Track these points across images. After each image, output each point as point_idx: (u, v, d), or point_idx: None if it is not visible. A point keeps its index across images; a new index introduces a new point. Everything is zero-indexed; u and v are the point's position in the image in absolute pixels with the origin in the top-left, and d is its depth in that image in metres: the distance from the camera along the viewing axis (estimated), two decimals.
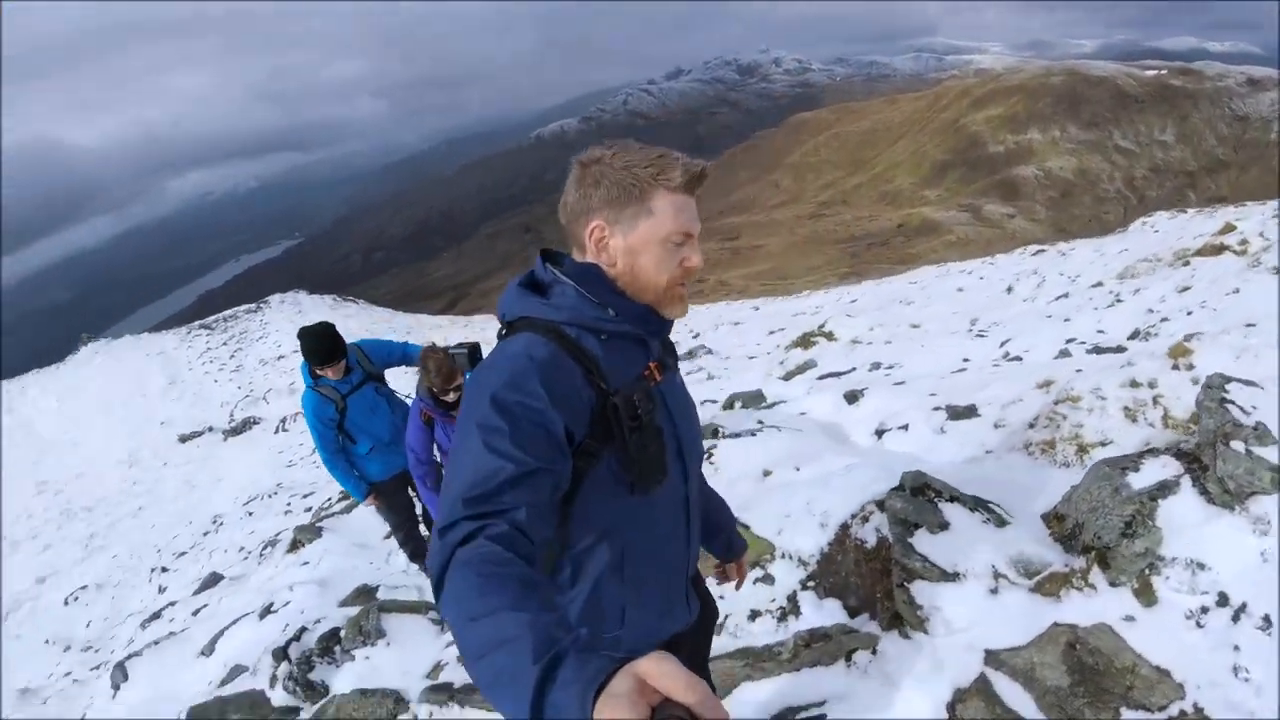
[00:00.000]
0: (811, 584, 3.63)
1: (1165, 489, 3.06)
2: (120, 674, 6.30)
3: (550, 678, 1.08)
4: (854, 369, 7.86)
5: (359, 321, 40.97)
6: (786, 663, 3.33)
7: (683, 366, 11.22)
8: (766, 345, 10.93)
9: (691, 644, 2.28)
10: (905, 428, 5.20)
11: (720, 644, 3.64)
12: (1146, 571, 2.93)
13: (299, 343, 5.44)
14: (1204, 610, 2.78)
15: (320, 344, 5.36)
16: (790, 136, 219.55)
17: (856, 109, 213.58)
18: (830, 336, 9.43)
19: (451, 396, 4.92)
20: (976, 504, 3.47)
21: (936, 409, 5.18)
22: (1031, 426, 4.36)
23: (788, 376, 8.28)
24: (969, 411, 4.98)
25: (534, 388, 1.63)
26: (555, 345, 1.73)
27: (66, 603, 12.31)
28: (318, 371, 5.48)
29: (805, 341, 9.58)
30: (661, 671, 0.98)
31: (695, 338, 14.94)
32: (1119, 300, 8.87)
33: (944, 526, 3.35)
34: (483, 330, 33.41)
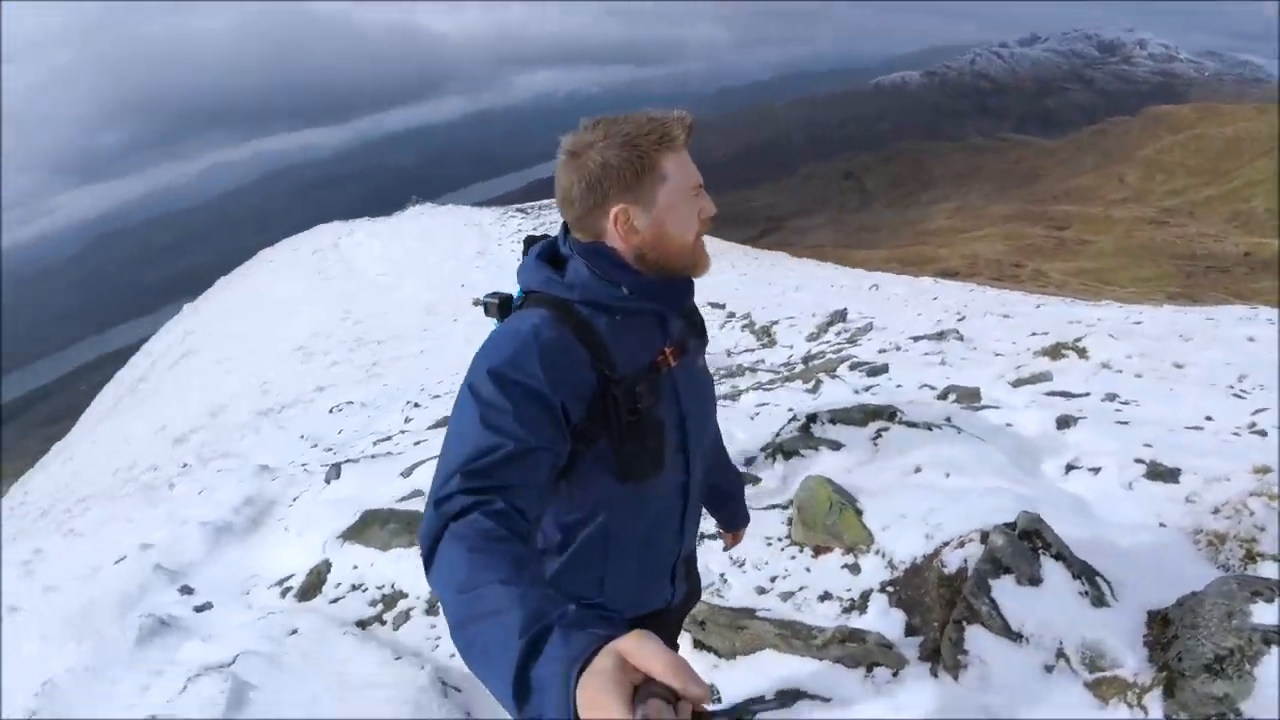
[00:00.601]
0: (890, 589, 3.49)
1: None
2: (334, 473, 7.23)
3: (535, 651, 1.10)
4: (1088, 394, 7.23)
5: None
6: (816, 648, 3.25)
7: (922, 346, 10.96)
8: (1021, 345, 10.21)
9: (675, 620, 2.30)
10: (1096, 470, 4.79)
11: (779, 607, 3.62)
12: None
13: None
14: None
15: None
16: (1145, 129, 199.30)
17: (1223, 111, 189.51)
18: (1082, 353, 8.68)
19: None
20: (1083, 571, 3.15)
21: (1139, 462, 4.74)
22: (1215, 512, 3.91)
23: (1017, 383, 7.78)
24: (1170, 475, 4.50)
25: (535, 368, 1.61)
26: (563, 326, 1.71)
27: (331, 411, 14.07)
28: None
29: (1055, 352, 8.87)
30: (644, 650, 0.99)
31: (960, 320, 14.23)
32: None
33: (1035, 581, 3.09)
34: (772, 267, 33.43)
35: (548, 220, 42.08)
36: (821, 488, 4.20)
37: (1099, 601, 3.05)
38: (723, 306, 20.27)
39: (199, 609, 4.87)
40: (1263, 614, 2.59)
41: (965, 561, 3.27)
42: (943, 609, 3.20)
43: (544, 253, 1.87)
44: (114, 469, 17.72)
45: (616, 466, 1.77)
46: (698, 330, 2.05)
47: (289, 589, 5.11)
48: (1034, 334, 11.21)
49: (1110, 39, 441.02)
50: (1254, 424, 6.20)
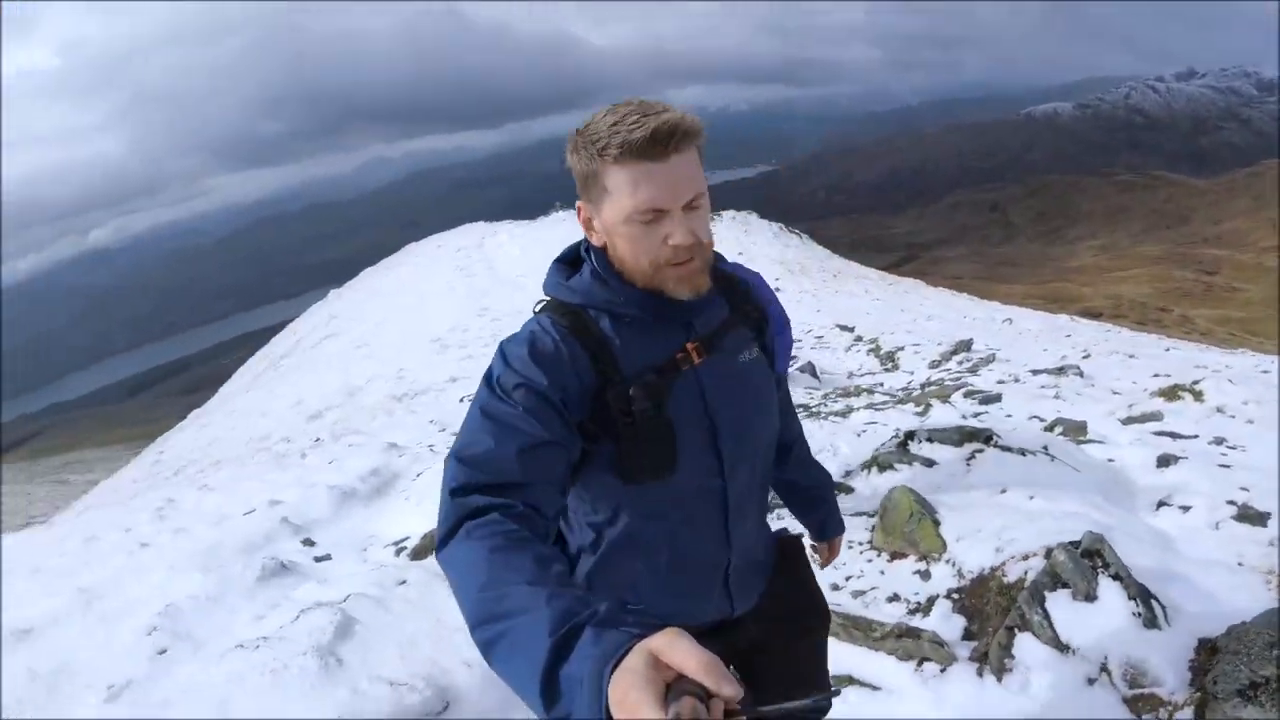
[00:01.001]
0: (955, 596, 3.63)
1: None
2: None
3: (565, 651, 1.09)
4: (1196, 436, 7.10)
5: (796, 253, 42.29)
6: (874, 640, 3.41)
7: (1040, 380, 10.84)
8: (1140, 386, 10.01)
9: (756, 635, 2.13)
10: (1186, 509, 4.77)
11: (848, 603, 3.79)
12: None
13: None
14: None
15: None
16: None
17: None
18: (1198, 396, 8.45)
19: None
20: (1140, 594, 3.22)
21: (1231, 503, 4.71)
22: None
23: (1127, 421, 7.68)
24: (1259, 519, 4.47)
25: (534, 369, 1.60)
26: (564, 328, 1.69)
27: (461, 400, 14.61)
28: None
29: (1171, 393, 8.66)
30: (676, 648, 0.98)
31: (1085, 357, 13.95)
32: None
33: (1090, 598, 3.19)
34: (905, 294, 33.13)
35: None
36: (904, 497, 4.38)
37: (1151, 623, 3.10)
38: (851, 330, 20.23)
39: (318, 559, 5.31)
40: None
41: (1026, 573, 3.39)
42: (999, 616, 3.33)
43: (566, 255, 1.86)
44: (248, 438, 18.80)
45: (618, 468, 1.72)
46: (751, 322, 1.92)
47: (403, 549, 5.47)
48: (1155, 375, 10.97)
49: (1269, 78, 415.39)
50: None
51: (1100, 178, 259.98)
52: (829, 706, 2.39)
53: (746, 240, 42.51)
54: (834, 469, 5.75)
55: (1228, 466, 5.88)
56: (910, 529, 4.21)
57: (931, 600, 3.68)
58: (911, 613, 3.67)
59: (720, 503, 1.86)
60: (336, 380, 21.62)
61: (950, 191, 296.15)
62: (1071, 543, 3.45)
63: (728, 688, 0.95)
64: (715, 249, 1.78)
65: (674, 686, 0.96)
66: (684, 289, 1.66)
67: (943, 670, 3.22)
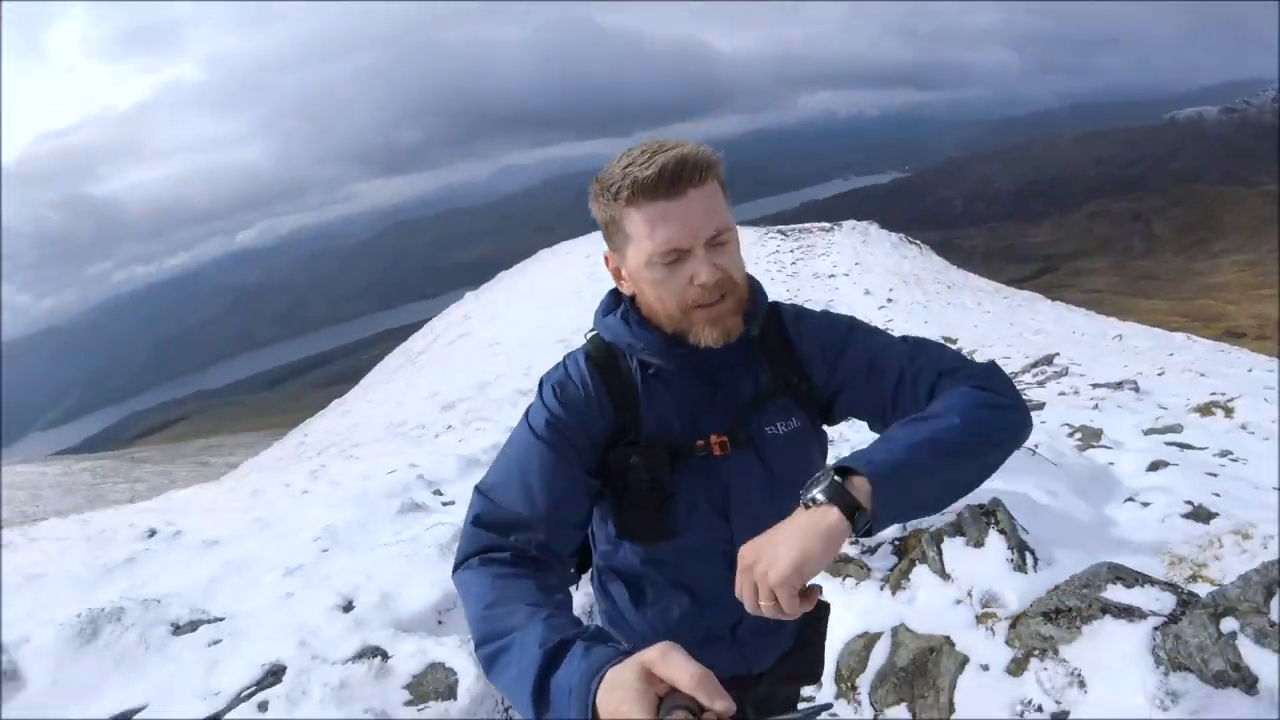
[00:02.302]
0: (895, 542, 4.66)
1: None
2: None
3: (555, 661, 1.13)
4: (1206, 448, 7.94)
5: (912, 264, 42.53)
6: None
7: (1098, 393, 11.61)
8: (1187, 401, 10.76)
9: (783, 695, 2.13)
10: (1146, 504, 5.54)
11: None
12: None
13: None
14: None
15: None
16: None
17: None
18: (1229, 412, 9.09)
19: None
20: (1018, 545, 4.16)
21: (1189, 503, 5.41)
22: (1202, 548, 4.88)
23: (1149, 432, 8.35)
24: (1206, 517, 5.18)
25: (562, 411, 1.61)
26: (596, 370, 1.67)
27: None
28: None
29: (1206, 409, 9.32)
30: (669, 662, 0.99)
31: (1159, 375, 14.55)
32: None
33: (979, 545, 4.28)
34: (1018, 308, 33.35)
35: (805, 243, 43.36)
36: None
37: (1019, 568, 4.05)
38: (954, 341, 20.69)
39: (445, 504, 6.81)
40: (1117, 593, 3.43)
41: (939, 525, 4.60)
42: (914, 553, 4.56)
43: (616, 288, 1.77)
44: (387, 424, 20.66)
45: (614, 522, 1.73)
46: (795, 390, 1.75)
47: None
48: (1212, 394, 11.61)
49: None
50: None
51: (1246, 187, 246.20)
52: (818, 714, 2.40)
53: (864, 250, 42.81)
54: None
55: (1214, 475, 6.67)
56: None
57: (879, 545, 4.88)
58: (863, 553, 4.87)
59: (727, 566, 1.61)
60: (468, 375, 23.50)
61: (1090, 200, 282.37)
62: (979, 505, 4.62)
63: (720, 702, 0.96)
64: (750, 280, 1.67)
65: (666, 700, 0.97)
66: (714, 333, 1.56)
67: (857, 584, 4.41)
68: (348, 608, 4.12)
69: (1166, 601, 3.18)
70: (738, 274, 1.57)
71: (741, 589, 1.40)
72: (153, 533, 6.74)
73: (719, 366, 1.66)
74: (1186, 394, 11.72)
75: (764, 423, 1.71)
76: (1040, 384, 13.49)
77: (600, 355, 1.69)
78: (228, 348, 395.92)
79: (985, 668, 3.44)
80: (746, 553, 1.41)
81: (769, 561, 1.35)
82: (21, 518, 20.03)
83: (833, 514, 1.35)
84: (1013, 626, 3.56)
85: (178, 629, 4.05)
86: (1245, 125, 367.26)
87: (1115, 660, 2.98)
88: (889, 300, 30.14)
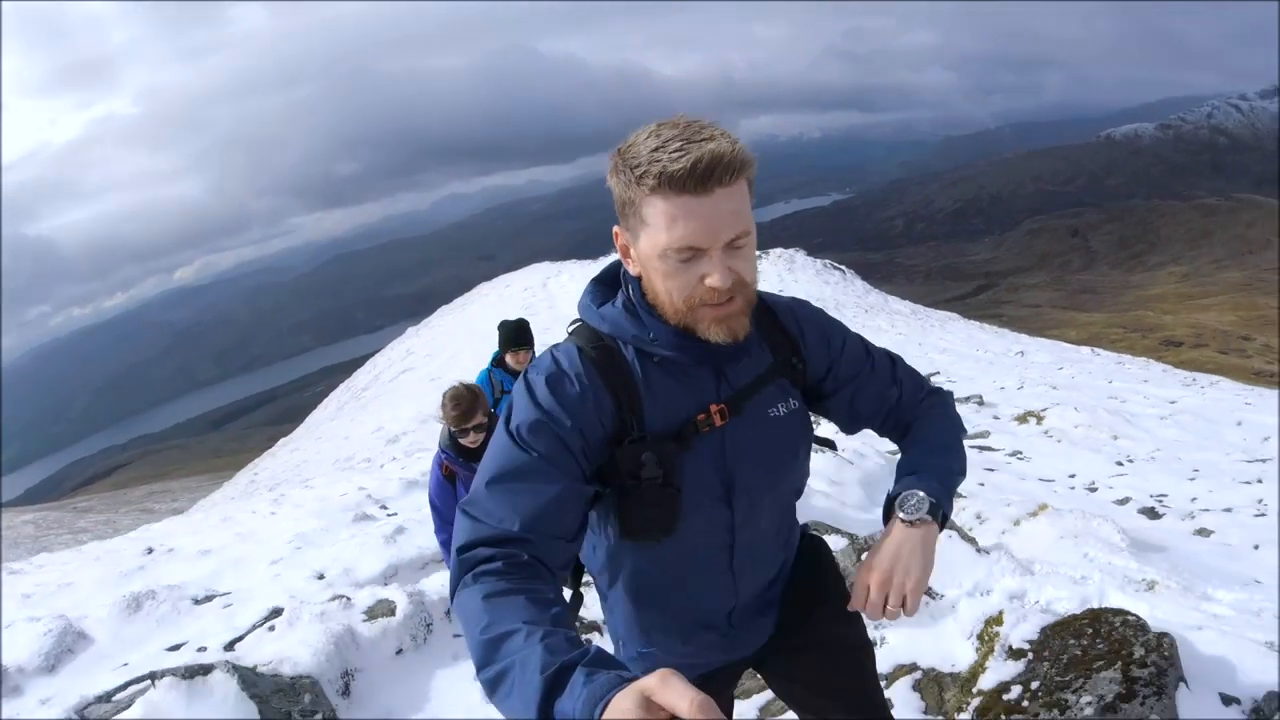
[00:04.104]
0: None
1: None
2: None
3: (557, 687, 1.11)
4: (1000, 449, 9.67)
5: (834, 290, 44.82)
6: None
7: None
8: (1016, 410, 12.60)
9: (786, 671, 2.13)
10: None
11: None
12: None
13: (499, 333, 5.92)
14: None
15: (513, 332, 5.84)
16: None
17: None
18: (1040, 420, 10.77)
19: (471, 439, 4.36)
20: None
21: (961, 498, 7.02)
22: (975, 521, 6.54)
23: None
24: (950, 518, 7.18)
25: (556, 408, 1.55)
26: (588, 363, 1.61)
27: None
28: (505, 358, 5.84)
29: (1024, 418, 11.00)
30: (668, 689, 0.99)
31: (1001, 389, 15.96)
32: None
33: None
34: (932, 328, 35.40)
35: None
36: None
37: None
38: None
39: (390, 515, 8.40)
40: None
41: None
42: None
43: (604, 276, 1.76)
44: (335, 459, 21.95)
45: (619, 524, 1.67)
46: (794, 372, 1.80)
47: None
48: (1045, 406, 13.50)
49: None
50: (1092, 485, 8.69)
51: (1182, 201, 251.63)
52: None
53: (789, 277, 45.38)
54: None
55: (992, 470, 8.52)
56: None
57: None
58: None
59: (727, 553, 1.80)
60: (411, 409, 24.63)
61: (1029, 217, 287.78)
62: None
63: None
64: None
65: None
66: (720, 332, 1.55)
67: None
68: (321, 577, 5.83)
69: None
70: (750, 277, 1.55)
71: (875, 598, 1.60)
72: (150, 550, 8.22)
73: (724, 354, 1.63)
74: (1025, 405, 13.59)
75: (766, 404, 1.73)
76: None
77: (595, 347, 1.64)
78: (169, 389, 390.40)
79: None
80: (881, 564, 1.61)
81: (905, 572, 1.59)
82: None
83: (935, 529, 1.64)
84: None
85: (197, 601, 5.67)
86: (1181, 141, 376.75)
87: None
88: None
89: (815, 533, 2.15)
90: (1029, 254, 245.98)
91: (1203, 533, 6.71)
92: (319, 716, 3.78)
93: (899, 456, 1.88)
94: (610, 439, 1.60)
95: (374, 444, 21.29)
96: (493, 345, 5.94)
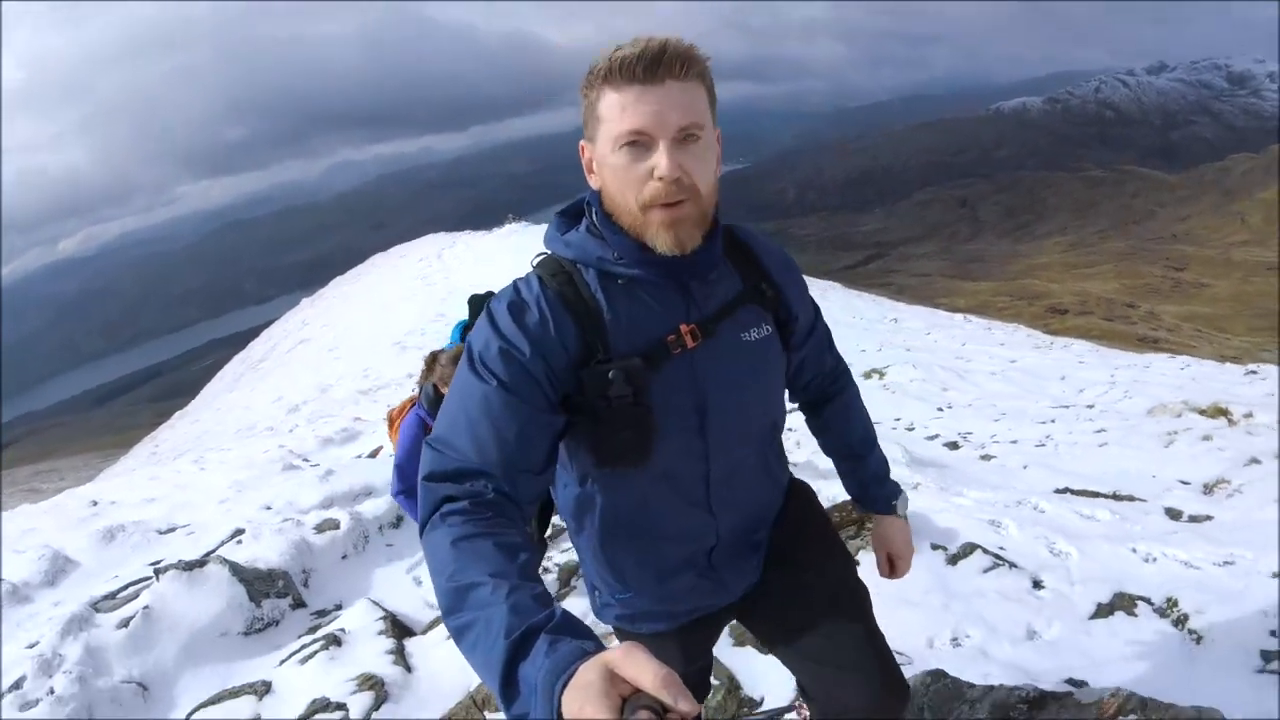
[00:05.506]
0: None
1: None
2: None
3: (521, 653, 1.11)
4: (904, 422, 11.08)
5: None
6: None
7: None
8: (866, 367, 14.06)
9: (760, 616, 2.09)
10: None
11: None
12: None
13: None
14: None
15: (482, 305, 6.70)
16: (1270, 168, 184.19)
17: None
18: (882, 375, 12.21)
19: None
20: None
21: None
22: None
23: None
24: None
25: (519, 336, 1.55)
26: (553, 292, 1.61)
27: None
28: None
29: (869, 375, 12.67)
30: (632, 662, 0.98)
31: (863, 352, 17.42)
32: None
33: None
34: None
35: None
36: None
37: None
38: None
39: (313, 466, 9.40)
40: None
41: None
42: None
43: (569, 209, 1.77)
44: (236, 429, 22.35)
45: (592, 451, 1.68)
46: (763, 297, 1.79)
47: (361, 456, 9.60)
48: (890, 365, 14.98)
49: (1240, 70, 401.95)
50: (911, 425, 10.21)
51: (1069, 173, 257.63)
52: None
53: None
54: None
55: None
56: None
57: None
58: None
59: (703, 485, 1.80)
60: (310, 379, 25.23)
61: (920, 188, 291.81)
62: None
63: (684, 703, 0.95)
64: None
65: (630, 701, 0.97)
66: (666, 237, 1.54)
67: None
68: (269, 508, 6.96)
69: None
70: (702, 181, 1.53)
71: (898, 574, 2.17)
72: (95, 503, 8.97)
73: (691, 275, 1.64)
74: (874, 364, 15.11)
75: (738, 329, 1.73)
76: None
77: (555, 275, 1.63)
78: (53, 365, 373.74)
79: None
80: (906, 551, 2.15)
81: (909, 553, 2.16)
82: None
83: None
84: None
85: (162, 532, 6.75)
86: (1068, 114, 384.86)
87: None
88: None
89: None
90: (919, 224, 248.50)
91: (986, 458, 8.04)
92: (289, 598, 5.03)
93: (850, 436, 2.15)
94: (575, 363, 1.59)
95: (275, 413, 21.69)
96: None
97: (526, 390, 1.53)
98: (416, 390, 4.30)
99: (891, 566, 2.18)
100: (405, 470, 4.17)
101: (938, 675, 2.98)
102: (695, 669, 2.22)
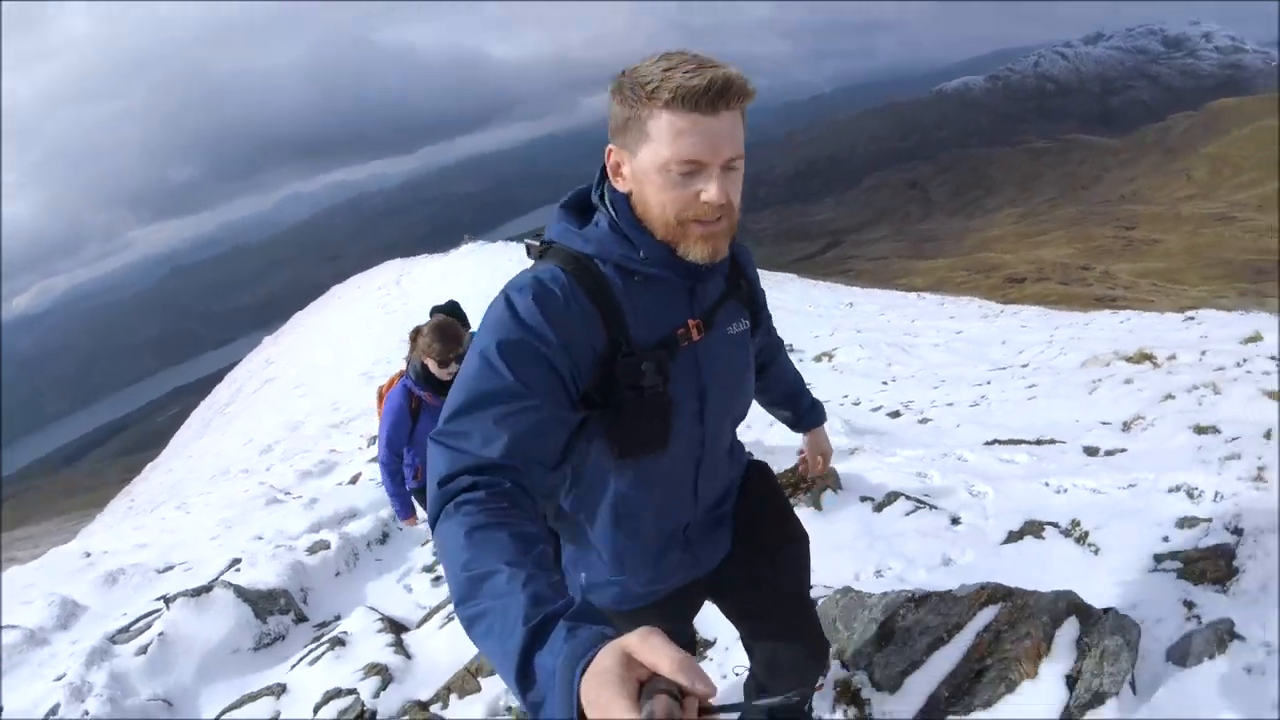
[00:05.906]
0: None
1: None
2: None
3: (538, 641, 1.11)
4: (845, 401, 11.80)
5: None
6: None
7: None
8: (817, 351, 14.67)
9: (725, 591, 2.27)
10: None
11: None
12: None
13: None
14: None
15: (450, 314, 5.25)
16: (1210, 124, 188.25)
17: None
18: (830, 357, 13.00)
19: (451, 370, 4.35)
20: None
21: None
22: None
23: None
24: None
25: (543, 324, 1.57)
26: (573, 282, 1.65)
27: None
28: None
29: (820, 357, 13.43)
30: (648, 647, 0.99)
31: (816, 338, 17.99)
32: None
33: None
34: (768, 289, 37.61)
35: None
36: None
37: None
38: None
39: (295, 498, 9.74)
40: None
41: None
42: None
43: (573, 201, 1.82)
44: (210, 474, 22.37)
45: (614, 442, 1.73)
46: (741, 292, 1.95)
47: (340, 483, 9.94)
48: (842, 345, 15.61)
49: (1175, 33, 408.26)
50: (858, 400, 10.75)
51: (1013, 147, 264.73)
52: (805, 700, 2.60)
53: None
54: None
55: None
56: None
57: None
58: None
59: (694, 467, 1.93)
60: (279, 418, 25.01)
61: (868, 174, 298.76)
62: None
63: (701, 685, 0.95)
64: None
65: (647, 685, 0.97)
66: (704, 250, 1.64)
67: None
68: (260, 538, 7.39)
69: None
70: (737, 203, 1.62)
71: (824, 466, 2.67)
72: (88, 554, 9.24)
73: (701, 274, 1.74)
74: (824, 348, 15.70)
75: (726, 322, 1.86)
76: None
77: (578, 266, 1.67)
78: (15, 428, 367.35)
79: None
80: (826, 447, 2.66)
81: (831, 449, 2.67)
82: None
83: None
84: None
85: (160, 571, 7.14)
86: (1009, 90, 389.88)
87: None
88: None
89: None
90: (870, 209, 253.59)
91: (924, 421, 8.49)
92: (292, 614, 5.49)
93: (788, 385, 2.54)
94: (601, 355, 1.65)
95: (248, 455, 21.50)
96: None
97: (546, 384, 1.56)
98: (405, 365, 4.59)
99: (823, 462, 2.68)
100: (390, 437, 4.57)
101: (845, 591, 3.52)
102: (680, 643, 2.30)
